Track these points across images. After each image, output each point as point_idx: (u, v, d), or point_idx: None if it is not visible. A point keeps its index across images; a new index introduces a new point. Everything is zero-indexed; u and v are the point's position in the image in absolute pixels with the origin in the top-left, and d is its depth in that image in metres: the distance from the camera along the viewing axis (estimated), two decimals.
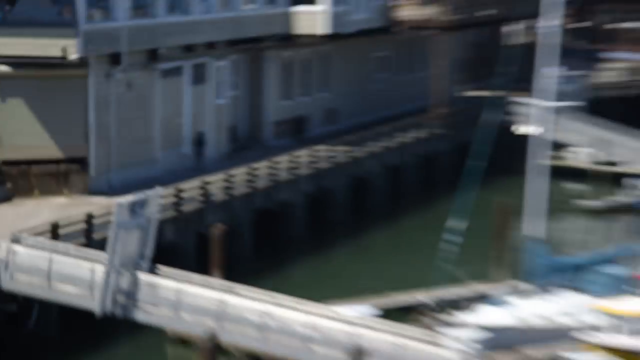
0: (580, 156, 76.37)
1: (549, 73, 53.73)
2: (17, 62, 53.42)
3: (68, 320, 44.09)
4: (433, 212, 66.61)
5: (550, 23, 53.53)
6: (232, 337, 40.40)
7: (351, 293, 49.17)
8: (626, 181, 69.80)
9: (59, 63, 53.12)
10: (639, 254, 48.18)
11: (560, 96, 72.83)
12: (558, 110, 73.11)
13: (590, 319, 42.12)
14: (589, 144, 76.46)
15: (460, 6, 77.18)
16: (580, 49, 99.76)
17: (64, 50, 52.76)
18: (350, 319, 40.35)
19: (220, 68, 64.44)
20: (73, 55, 52.88)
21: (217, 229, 46.92)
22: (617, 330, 41.31)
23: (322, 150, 63.60)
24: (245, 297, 40.92)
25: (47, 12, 53.79)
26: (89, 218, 46.81)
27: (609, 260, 45.95)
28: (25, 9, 53.81)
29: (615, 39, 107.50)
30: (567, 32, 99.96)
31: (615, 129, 77.02)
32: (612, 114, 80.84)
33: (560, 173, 73.61)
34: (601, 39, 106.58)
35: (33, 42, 52.93)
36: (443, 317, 43.34)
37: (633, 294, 43.13)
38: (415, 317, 43.81)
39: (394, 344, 38.48)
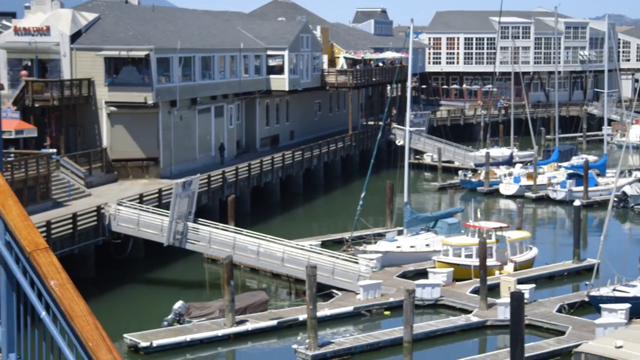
0: (430, 157, 76.10)
1: (409, 112, 53.51)
2: (120, 105, 52.74)
3: (148, 249, 43.57)
4: (350, 188, 66.45)
5: (408, 85, 53.50)
6: (240, 258, 40.20)
7: (305, 233, 48.93)
8: (461, 172, 69.54)
9: (143, 105, 52.46)
10: (462, 211, 48.26)
11: (415, 124, 73.06)
12: (415, 132, 73.27)
13: (440, 248, 41.94)
14: (432, 151, 76.27)
15: (361, 75, 76.91)
16: (424, 99, 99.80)
17: (145, 98, 52.14)
18: (306, 247, 40.21)
19: (230, 108, 63.61)
20: (150, 101, 52.25)
21: (230, 198, 46.52)
22: (454, 254, 41.22)
23: (287, 153, 62.89)
24: (247, 235, 40.81)
25: (136, 77, 53.09)
26: (160, 191, 46.19)
27: (449, 215, 45.79)
28: (124, 76, 53.16)
29: (442, 94, 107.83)
30: (417, 89, 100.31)
31: (444, 142, 76.92)
32: (443, 134, 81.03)
33: (420, 167, 73.60)
34: (434, 93, 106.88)
35: (129, 94, 52.49)
36: (358, 246, 43.12)
37: (463, 234, 43.07)
38: (342, 247, 43.60)
39: (330, 262, 38.26)
